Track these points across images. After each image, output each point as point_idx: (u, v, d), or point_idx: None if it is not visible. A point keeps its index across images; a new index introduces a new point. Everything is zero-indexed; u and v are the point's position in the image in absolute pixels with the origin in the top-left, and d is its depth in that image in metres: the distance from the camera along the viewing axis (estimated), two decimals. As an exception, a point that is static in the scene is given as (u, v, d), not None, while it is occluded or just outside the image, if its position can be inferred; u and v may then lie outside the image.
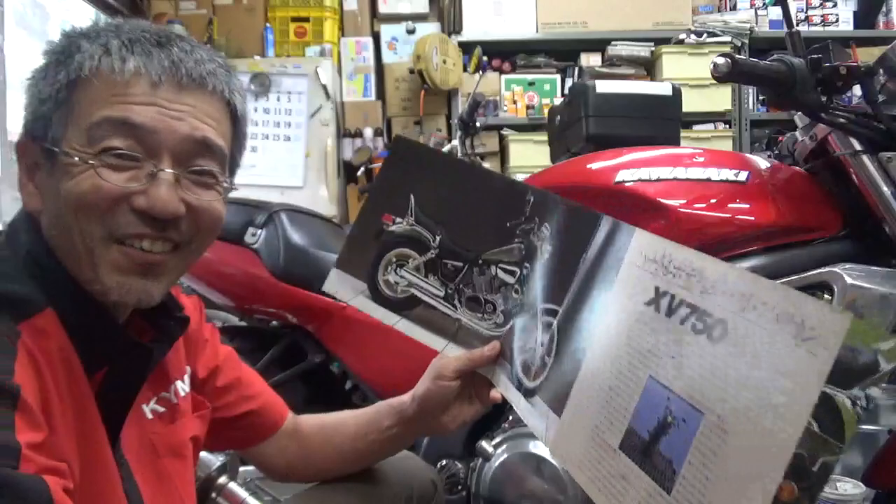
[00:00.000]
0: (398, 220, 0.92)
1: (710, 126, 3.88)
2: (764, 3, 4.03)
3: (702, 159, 1.25)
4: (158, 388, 0.79)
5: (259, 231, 1.58)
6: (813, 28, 4.00)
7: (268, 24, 3.92)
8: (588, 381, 0.71)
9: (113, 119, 0.65)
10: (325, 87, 3.70)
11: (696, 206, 1.18)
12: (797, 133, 1.25)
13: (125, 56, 0.66)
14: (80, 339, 0.65)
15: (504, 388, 0.86)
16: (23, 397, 0.56)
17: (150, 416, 0.77)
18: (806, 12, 4.03)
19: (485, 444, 1.33)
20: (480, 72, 3.08)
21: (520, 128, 3.92)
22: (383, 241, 0.92)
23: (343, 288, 0.94)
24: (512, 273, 0.87)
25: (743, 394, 0.53)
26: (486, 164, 3.01)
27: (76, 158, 0.65)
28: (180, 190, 0.68)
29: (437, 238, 0.91)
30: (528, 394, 0.81)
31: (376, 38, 4.07)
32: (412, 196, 0.91)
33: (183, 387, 0.83)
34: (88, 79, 0.66)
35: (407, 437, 0.99)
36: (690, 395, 0.57)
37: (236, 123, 0.76)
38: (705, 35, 3.84)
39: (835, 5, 4.04)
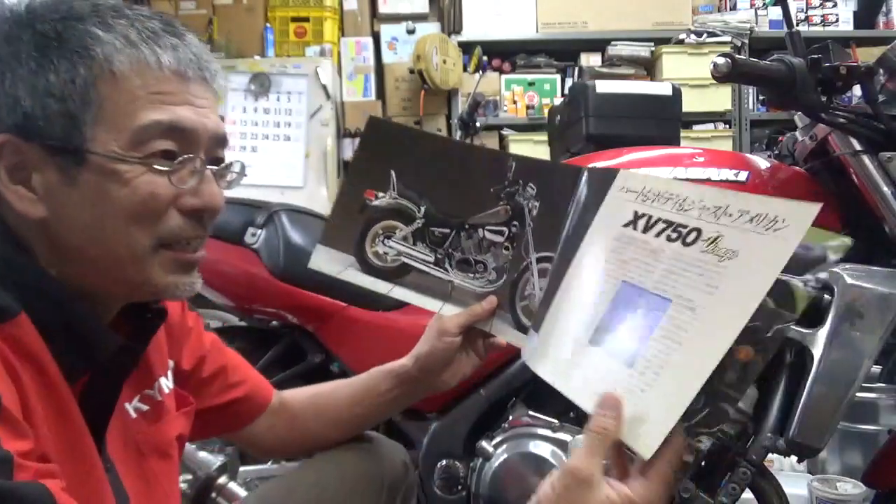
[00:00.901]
0: (381, 195, 0.95)
1: (710, 126, 3.88)
2: (764, 3, 4.03)
3: (702, 159, 1.25)
4: (141, 386, 0.77)
5: (259, 231, 1.58)
6: (813, 28, 4.00)
7: (268, 24, 3.92)
8: (565, 297, 0.79)
9: (163, 123, 0.64)
10: (325, 87, 3.70)
11: (696, 206, 1.18)
12: (797, 133, 1.25)
13: (156, 51, 0.64)
14: (59, 344, 0.62)
15: (506, 335, 0.92)
16: (4, 406, 0.54)
17: (133, 414, 0.75)
18: (806, 12, 4.03)
19: (485, 444, 1.33)
20: (480, 72, 3.08)
21: (520, 128, 3.92)
22: (368, 215, 0.96)
23: (330, 263, 0.96)
24: (500, 233, 0.92)
25: (709, 277, 0.63)
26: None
27: (129, 159, 0.63)
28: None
29: (422, 208, 0.95)
30: (526, 331, 0.88)
31: (376, 38, 4.07)
32: (392, 172, 0.95)
33: (167, 383, 0.81)
34: (121, 74, 0.62)
35: (406, 398, 1.02)
36: (661, 288, 0.67)
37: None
38: (705, 35, 3.84)
39: (835, 5, 4.04)
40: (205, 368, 0.91)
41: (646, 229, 0.72)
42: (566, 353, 0.74)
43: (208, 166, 0.68)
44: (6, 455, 0.51)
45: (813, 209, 0.59)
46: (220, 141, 0.70)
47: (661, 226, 0.70)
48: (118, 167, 0.63)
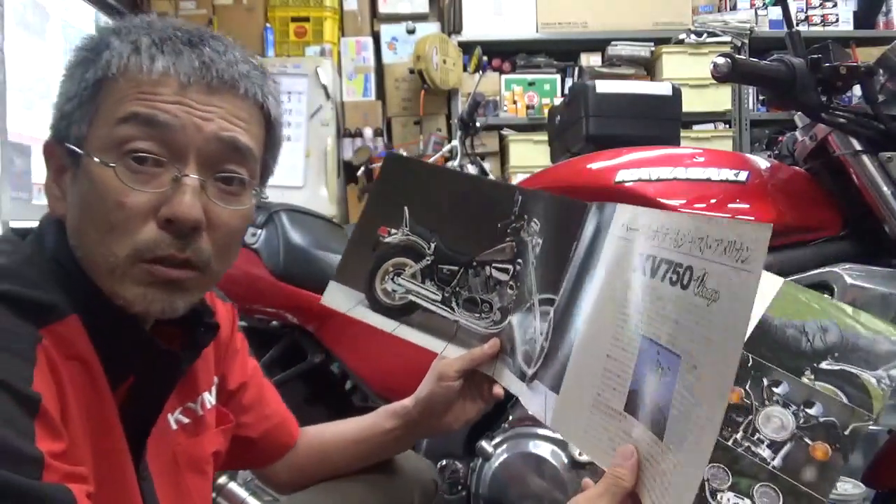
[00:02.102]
0: (393, 231, 0.94)
1: (710, 126, 3.88)
2: (764, 3, 4.03)
3: (702, 159, 1.25)
4: (185, 398, 0.77)
5: (259, 231, 1.58)
6: (813, 28, 4.00)
7: (268, 24, 3.92)
8: (583, 354, 0.73)
9: (139, 115, 0.62)
10: (325, 87, 3.70)
11: (696, 206, 1.18)
12: (797, 133, 1.25)
13: (154, 55, 0.63)
14: (105, 348, 0.63)
15: (507, 381, 0.87)
16: (43, 405, 0.54)
17: (174, 426, 0.75)
18: (806, 12, 4.03)
19: (485, 444, 1.33)
20: (480, 72, 3.08)
21: (520, 128, 3.92)
22: (380, 252, 0.94)
23: (341, 299, 0.96)
24: (505, 271, 0.89)
25: (703, 327, 0.58)
26: (487, 164, 3.01)
27: (98, 161, 0.61)
28: (204, 198, 0.64)
29: (432, 245, 0.93)
30: (529, 380, 0.82)
31: (376, 38, 4.07)
32: (406, 208, 0.94)
33: (210, 399, 0.81)
34: (116, 78, 0.63)
35: (409, 438, 0.99)
36: (672, 342, 0.61)
37: (270, 129, 0.71)
38: (705, 35, 3.84)
39: (835, 5, 4.04)
40: (245, 395, 0.90)
41: (653, 273, 0.67)
42: (599, 421, 0.69)
43: (194, 176, 0.63)
44: (37, 454, 0.52)
45: (765, 230, 0.54)
46: (230, 151, 0.65)
47: (664, 267, 0.65)
48: (93, 168, 0.62)
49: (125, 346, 0.65)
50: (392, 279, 0.94)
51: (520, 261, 0.88)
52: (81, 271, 0.64)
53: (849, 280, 0.90)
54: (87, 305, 0.62)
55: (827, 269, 1.02)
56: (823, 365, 0.65)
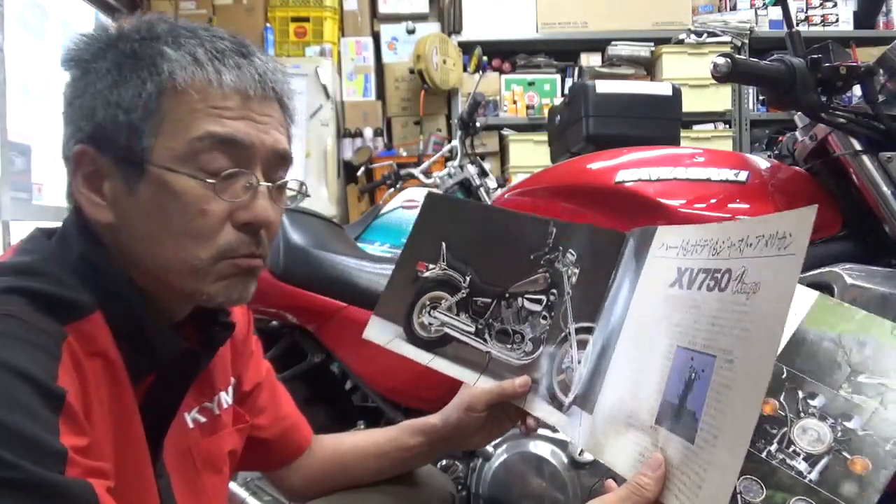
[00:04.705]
0: (431, 266, 0.97)
1: (710, 126, 3.88)
2: (764, 3, 4.03)
3: (702, 159, 1.25)
4: (202, 398, 0.78)
5: (259, 231, 1.58)
6: (813, 28, 4.00)
7: (268, 24, 3.92)
8: (617, 373, 0.74)
9: (216, 135, 0.65)
10: (325, 87, 3.70)
11: (696, 206, 1.18)
12: (797, 133, 1.25)
13: (220, 69, 0.65)
14: (129, 345, 0.65)
15: (540, 412, 0.87)
16: (68, 401, 0.55)
17: (191, 425, 0.76)
18: (806, 12, 4.04)
19: (485, 444, 1.33)
20: (480, 72, 3.08)
21: (520, 128, 3.92)
22: (418, 286, 0.97)
23: (381, 332, 0.98)
24: (538, 301, 0.90)
25: (742, 320, 0.58)
26: (487, 164, 3.01)
27: (181, 173, 0.64)
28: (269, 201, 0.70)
29: (468, 278, 0.95)
30: (567, 409, 0.83)
31: (376, 38, 4.07)
32: (443, 243, 0.97)
33: (226, 398, 0.82)
34: (183, 90, 0.64)
35: (432, 455, 1.00)
36: (707, 346, 0.62)
37: (289, 127, 0.76)
38: (705, 35, 3.84)
39: (835, 5, 4.04)
40: (260, 396, 0.91)
41: (689, 284, 0.68)
42: (632, 437, 0.68)
43: (265, 183, 0.68)
44: (62, 449, 0.53)
45: (809, 213, 0.56)
46: (281, 158, 0.71)
47: (701, 277, 0.67)
48: (171, 179, 0.64)
49: (149, 343, 0.67)
50: (429, 312, 0.96)
51: (554, 291, 0.89)
52: (112, 271, 0.66)
53: (849, 280, 0.90)
54: (112, 304, 0.64)
55: (827, 269, 1.01)
56: (861, 378, 0.64)
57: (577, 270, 0.87)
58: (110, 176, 0.66)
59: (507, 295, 0.93)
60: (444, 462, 1.41)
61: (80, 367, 0.59)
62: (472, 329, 0.94)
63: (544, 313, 0.90)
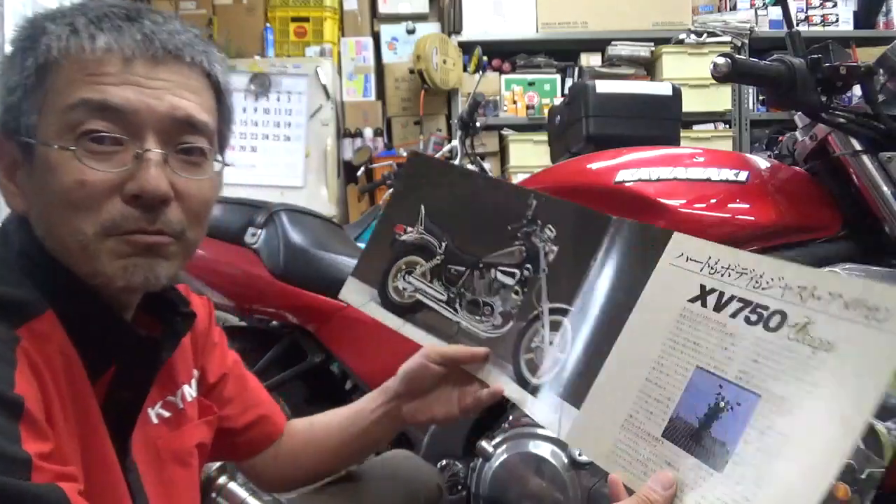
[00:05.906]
0: (409, 229, 0.95)
1: (710, 126, 3.88)
2: (764, 3, 4.03)
3: (702, 159, 1.25)
4: (165, 392, 0.77)
5: (259, 231, 1.58)
6: (813, 28, 4.00)
7: (268, 24, 3.92)
8: (617, 374, 0.73)
9: (90, 101, 0.61)
10: (325, 87, 3.70)
11: (696, 206, 1.18)
12: (797, 133, 1.25)
13: (94, 33, 0.62)
14: (84, 340, 0.62)
15: (505, 388, 0.86)
16: (27, 408, 0.54)
17: (155, 420, 0.75)
18: (806, 12, 4.03)
19: (485, 444, 1.33)
20: (480, 72, 3.07)
21: (520, 128, 3.92)
22: (395, 249, 0.96)
23: (357, 295, 0.97)
24: (511, 275, 0.88)
25: (807, 371, 0.58)
26: (487, 164, 3.01)
27: (55, 147, 0.61)
28: (169, 171, 0.64)
29: (444, 244, 0.93)
30: (534, 390, 0.82)
31: (376, 38, 4.07)
32: (422, 206, 0.95)
33: (190, 391, 0.81)
34: (58, 61, 0.62)
35: (393, 423, 0.95)
36: (745, 379, 0.61)
37: (221, 98, 0.71)
38: (705, 35, 3.84)
39: (835, 5, 4.04)
40: (227, 387, 0.90)
41: (718, 307, 0.66)
42: (630, 443, 0.68)
43: (157, 150, 0.63)
44: (25, 456, 0.52)
45: None
46: (185, 126, 0.65)
47: (735, 304, 0.65)
48: (49, 154, 0.62)
49: (103, 335, 0.65)
50: (403, 277, 0.95)
51: (528, 266, 0.87)
52: (53, 263, 0.63)
53: (849, 280, 0.90)
54: (62, 298, 0.62)
55: (827, 269, 1.01)
56: None
57: (555, 248, 0.85)
58: (20, 162, 0.65)
59: (480, 265, 0.91)
60: (443, 462, 1.41)
61: (37, 371, 0.57)
62: (444, 297, 0.93)
63: (516, 287, 0.88)
